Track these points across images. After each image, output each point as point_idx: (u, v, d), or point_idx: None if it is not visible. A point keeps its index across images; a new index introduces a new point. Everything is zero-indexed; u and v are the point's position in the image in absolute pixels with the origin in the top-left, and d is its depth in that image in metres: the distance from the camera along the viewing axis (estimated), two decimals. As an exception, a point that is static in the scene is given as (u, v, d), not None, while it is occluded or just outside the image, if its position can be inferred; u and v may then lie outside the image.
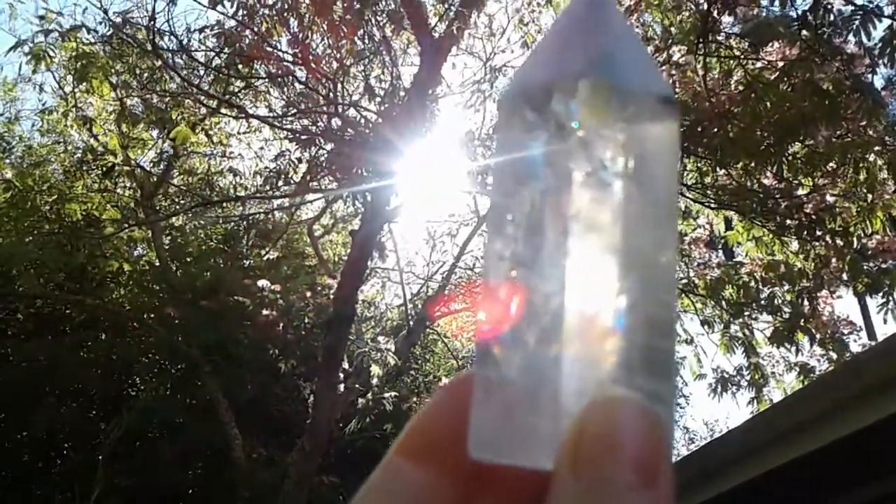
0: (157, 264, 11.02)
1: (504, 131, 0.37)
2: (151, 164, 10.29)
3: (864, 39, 5.11)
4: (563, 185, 0.33)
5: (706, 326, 9.26)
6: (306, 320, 10.58)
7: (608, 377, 0.32)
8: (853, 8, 5.00)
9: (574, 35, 0.36)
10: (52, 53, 7.40)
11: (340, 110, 7.32)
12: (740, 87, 6.21)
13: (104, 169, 9.49)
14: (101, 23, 7.06)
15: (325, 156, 7.09)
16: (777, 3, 5.53)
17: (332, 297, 8.76)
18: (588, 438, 0.29)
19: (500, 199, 0.36)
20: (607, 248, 0.33)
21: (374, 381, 9.17)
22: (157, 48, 6.70)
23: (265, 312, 8.77)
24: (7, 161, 11.37)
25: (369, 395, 9.23)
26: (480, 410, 0.33)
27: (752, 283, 8.26)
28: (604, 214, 0.33)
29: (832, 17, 5.16)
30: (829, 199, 7.02)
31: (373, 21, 7.06)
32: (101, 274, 11.31)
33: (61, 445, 11.42)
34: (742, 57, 6.17)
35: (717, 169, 6.84)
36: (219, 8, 6.24)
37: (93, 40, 7.52)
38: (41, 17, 7.42)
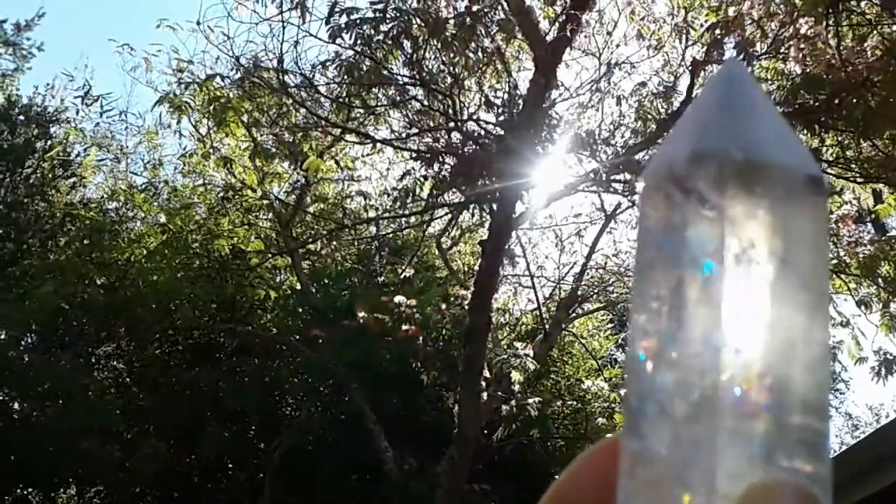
0: (299, 288, 11.53)
1: (648, 207, 0.36)
2: (286, 195, 10.82)
3: None
4: (708, 265, 0.33)
5: (863, 307, 8.72)
6: (444, 332, 10.76)
7: (762, 458, 0.31)
8: None
9: (718, 111, 0.36)
10: (190, 103, 7.93)
11: (459, 125, 7.43)
12: (877, 54, 5.83)
13: (245, 204, 10.06)
14: (232, 69, 7.52)
15: (449, 171, 7.21)
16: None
17: (466, 307, 8.86)
18: None
19: (645, 274, 0.36)
20: (759, 327, 0.33)
21: (516, 387, 9.19)
22: (286, 86, 7.05)
23: (404, 327, 8.98)
24: (155, 204, 12.26)
25: (512, 402, 9.25)
26: (628, 484, 0.33)
27: (911, 258, 7.71)
28: (753, 294, 0.33)
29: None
30: None
31: (484, 33, 7.12)
32: (250, 302, 11.95)
33: (226, 466, 12.11)
34: (877, 22, 5.79)
35: (861, 141, 6.44)
36: (337, 40, 6.50)
37: (226, 85, 8.00)
38: (177, 70, 7.98)
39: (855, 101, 5.80)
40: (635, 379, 0.35)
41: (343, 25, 6.30)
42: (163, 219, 11.21)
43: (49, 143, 12.71)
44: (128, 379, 12.17)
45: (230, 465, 12.16)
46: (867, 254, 7.95)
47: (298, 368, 12.24)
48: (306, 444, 11.84)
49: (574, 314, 11.31)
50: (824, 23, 5.69)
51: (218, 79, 7.66)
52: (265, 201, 9.82)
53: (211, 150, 10.02)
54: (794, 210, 0.34)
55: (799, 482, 0.31)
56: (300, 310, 11.71)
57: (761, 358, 0.33)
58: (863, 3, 6.00)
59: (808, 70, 5.98)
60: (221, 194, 10.63)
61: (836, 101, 5.92)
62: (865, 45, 5.97)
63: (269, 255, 10.43)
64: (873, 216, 8.27)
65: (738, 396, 0.32)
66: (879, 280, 8.17)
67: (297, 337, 11.61)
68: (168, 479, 11.51)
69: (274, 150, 8.97)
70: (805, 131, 6.81)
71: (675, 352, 0.33)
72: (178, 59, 9.18)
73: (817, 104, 6.19)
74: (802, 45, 5.94)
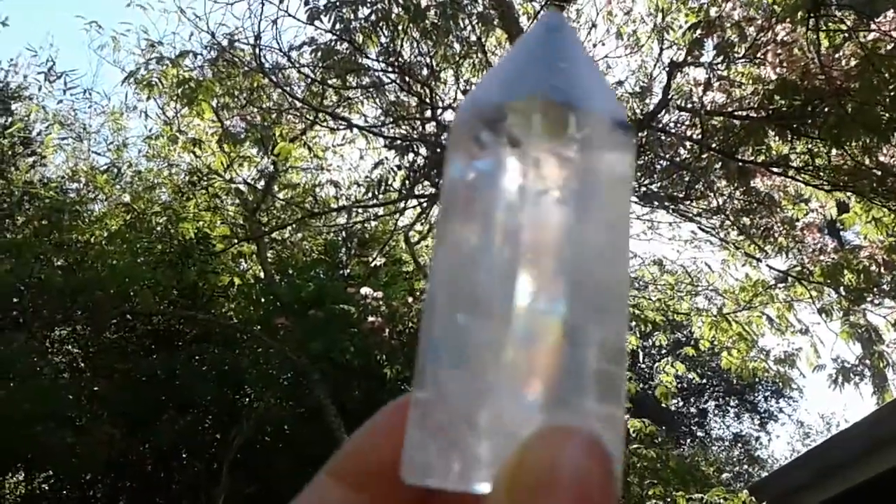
0: (263, 277, 11.36)
1: (455, 147, 0.36)
2: (254, 181, 10.63)
3: None
4: (512, 204, 0.33)
5: (824, 315, 8.85)
6: (410, 325, 10.69)
7: (556, 399, 0.30)
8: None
9: (530, 57, 0.36)
10: (163, 81, 7.76)
11: (435, 115, 7.37)
12: (853, 61, 5.90)
13: (211, 189, 9.87)
14: (206, 47, 7.37)
15: (424, 161, 7.15)
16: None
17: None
18: (529, 467, 0.28)
19: (447, 217, 0.35)
20: (555, 270, 0.33)
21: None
22: (263, 66, 6.92)
23: (370, 319, 8.90)
24: (118, 186, 11.97)
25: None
26: (414, 432, 0.32)
27: (874, 268, 7.84)
28: (553, 235, 0.33)
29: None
30: (957, 173, 6.59)
31: (464, 24, 7.07)
32: (212, 289, 11.74)
33: (181, 455, 11.91)
34: (855, 29, 5.86)
35: (832, 149, 6.53)
36: (316, 23, 6.39)
37: (198, 65, 7.85)
38: (148, 47, 7.80)
39: (829, 108, 5.86)
40: (426, 320, 0.34)
41: (322, 7, 6.20)
42: (127, 198, 10.95)
43: (10, 119, 12.35)
44: (83, 364, 11.88)
45: (185, 455, 11.94)
46: (830, 262, 8.07)
47: (259, 359, 12.07)
48: (263, 436, 11.68)
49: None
50: (803, 29, 5.73)
51: (190, 56, 7.49)
52: (232, 185, 9.65)
53: (178, 133, 9.82)
54: (601, 154, 0.35)
55: (587, 429, 0.29)
56: (263, 299, 11.54)
57: (556, 301, 0.32)
58: (839, 12, 6.07)
59: (784, 76, 6.03)
60: (187, 178, 10.42)
61: (811, 108, 5.97)
62: (842, 52, 6.04)
63: (235, 242, 10.24)
64: (839, 225, 8.41)
65: (529, 339, 0.31)
66: (841, 289, 8.30)
67: (259, 327, 11.44)
68: (121, 466, 11.31)
69: (244, 134, 8.81)
70: (777, 137, 6.88)
71: (467, 295, 0.33)
72: (147, 39, 8.98)
73: (791, 110, 6.24)
74: (780, 51, 5.99)
